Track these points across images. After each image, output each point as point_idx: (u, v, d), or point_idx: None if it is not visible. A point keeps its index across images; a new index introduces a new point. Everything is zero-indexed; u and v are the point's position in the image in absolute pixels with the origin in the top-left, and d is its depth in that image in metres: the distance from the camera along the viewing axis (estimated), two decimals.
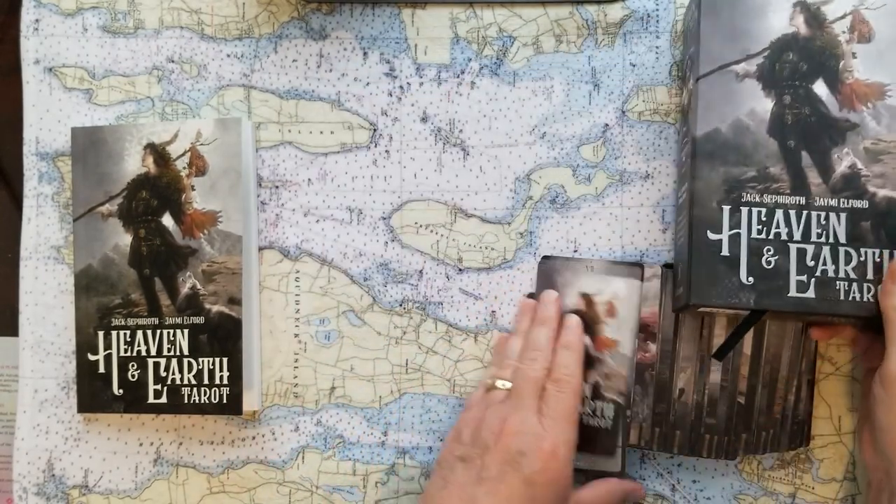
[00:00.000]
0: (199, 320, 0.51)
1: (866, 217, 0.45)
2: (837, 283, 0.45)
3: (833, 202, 0.45)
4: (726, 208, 0.45)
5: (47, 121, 0.54)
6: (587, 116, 0.53)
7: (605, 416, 0.50)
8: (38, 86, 0.54)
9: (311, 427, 0.53)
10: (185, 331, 0.51)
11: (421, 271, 0.53)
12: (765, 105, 0.46)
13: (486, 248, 0.53)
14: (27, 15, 0.54)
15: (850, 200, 0.45)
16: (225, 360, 0.51)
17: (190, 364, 0.51)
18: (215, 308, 0.51)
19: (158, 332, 0.51)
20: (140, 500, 0.53)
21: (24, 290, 0.53)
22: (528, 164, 0.53)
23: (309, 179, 0.54)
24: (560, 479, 0.43)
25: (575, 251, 0.53)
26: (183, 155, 0.51)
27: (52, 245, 0.53)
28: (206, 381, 0.51)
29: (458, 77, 0.53)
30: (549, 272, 0.52)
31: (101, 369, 0.51)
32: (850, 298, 0.44)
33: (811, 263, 0.45)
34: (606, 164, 0.53)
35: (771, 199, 0.45)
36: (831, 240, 0.45)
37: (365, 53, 0.54)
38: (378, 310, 0.53)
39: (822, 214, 0.45)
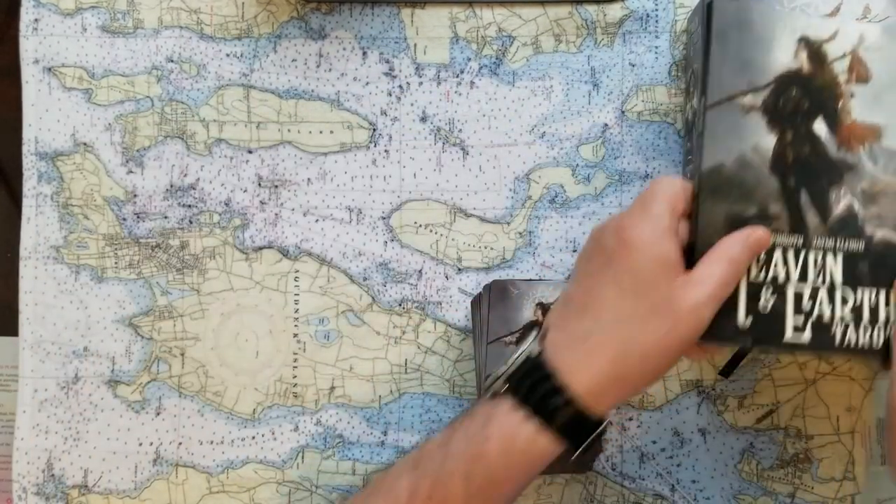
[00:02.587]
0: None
1: (863, 258, 0.44)
2: (833, 326, 0.44)
3: (830, 242, 0.44)
4: None
5: (46, 120, 0.54)
6: (586, 116, 0.53)
7: None
8: (38, 85, 0.54)
9: (310, 427, 0.53)
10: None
11: (420, 271, 0.53)
12: (768, 141, 0.45)
13: (486, 247, 0.53)
14: (26, 15, 0.54)
15: (847, 241, 0.44)
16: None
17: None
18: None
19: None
20: (140, 500, 0.53)
21: (23, 289, 0.53)
22: (528, 164, 0.53)
23: (308, 179, 0.54)
24: (642, 244, 0.40)
25: (574, 251, 0.53)
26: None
27: (51, 245, 0.53)
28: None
29: (457, 77, 0.53)
30: (503, 286, 0.49)
31: None
32: (846, 341, 0.44)
33: (808, 306, 0.44)
34: (606, 164, 0.53)
35: (770, 238, 0.44)
36: (828, 282, 0.44)
37: (364, 53, 0.54)
38: (377, 309, 0.53)
39: (820, 255, 0.44)
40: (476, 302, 0.51)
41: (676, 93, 0.53)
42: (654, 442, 0.53)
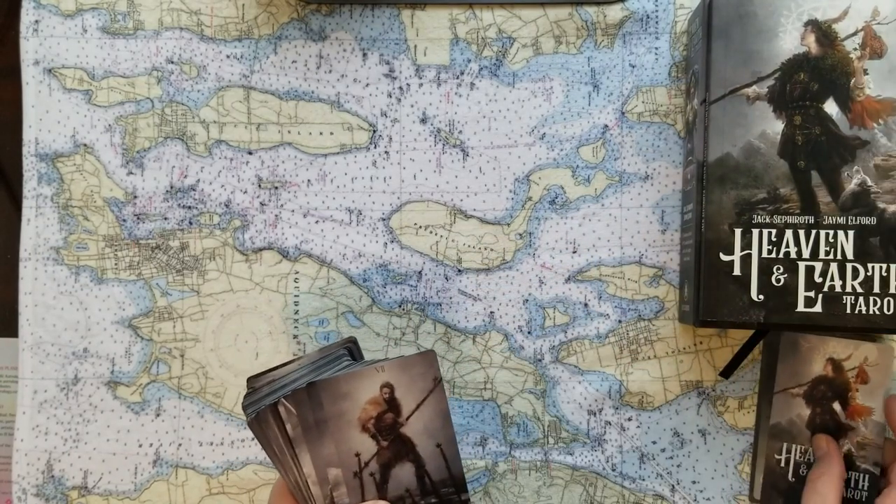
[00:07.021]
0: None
1: (875, 233, 0.45)
2: (844, 297, 0.45)
3: (841, 220, 0.45)
4: (738, 231, 0.46)
5: (47, 122, 0.54)
6: (586, 117, 0.53)
7: (860, 487, 0.47)
8: (38, 87, 0.54)
9: None
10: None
11: (420, 272, 0.53)
12: (775, 127, 0.46)
13: (486, 249, 0.53)
14: (27, 16, 0.54)
15: (858, 217, 0.45)
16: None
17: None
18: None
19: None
20: (139, 502, 0.53)
21: (23, 290, 0.53)
22: (528, 165, 0.53)
23: (308, 180, 0.54)
24: None
25: (574, 252, 0.53)
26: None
27: (51, 246, 0.53)
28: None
29: (457, 78, 0.53)
30: (794, 338, 0.49)
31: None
32: (857, 312, 0.45)
33: (819, 280, 0.45)
34: (606, 165, 0.53)
35: (781, 219, 0.46)
36: (839, 256, 0.45)
37: (364, 54, 0.54)
38: (377, 311, 0.53)
39: (831, 233, 0.45)
40: (265, 420, 0.41)
41: (676, 94, 0.53)
42: (654, 442, 0.53)
